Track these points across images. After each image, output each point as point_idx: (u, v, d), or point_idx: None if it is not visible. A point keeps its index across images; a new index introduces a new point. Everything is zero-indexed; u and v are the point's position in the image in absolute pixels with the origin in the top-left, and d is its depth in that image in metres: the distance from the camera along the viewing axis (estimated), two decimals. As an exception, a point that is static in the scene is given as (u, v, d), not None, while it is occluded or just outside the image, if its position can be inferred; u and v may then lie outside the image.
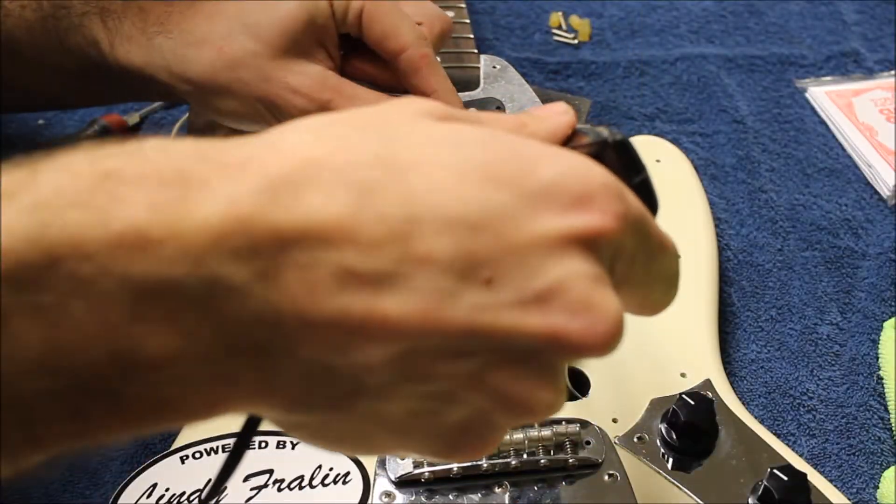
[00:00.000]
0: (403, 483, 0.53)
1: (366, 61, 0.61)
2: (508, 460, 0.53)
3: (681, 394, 0.56)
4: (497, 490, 0.53)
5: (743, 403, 0.60)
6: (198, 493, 0.52)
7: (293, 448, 0.54)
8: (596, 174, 0.32)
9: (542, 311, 0.30)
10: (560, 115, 0.38)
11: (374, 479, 0.53)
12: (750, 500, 0.53)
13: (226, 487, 0.52)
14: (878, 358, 0.67)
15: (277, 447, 0.54)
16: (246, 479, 0.53)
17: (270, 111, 0.58)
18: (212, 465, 0.54)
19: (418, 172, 0.30)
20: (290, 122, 0.33)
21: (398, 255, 0.29)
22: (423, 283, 0.29)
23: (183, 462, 0.54)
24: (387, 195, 0.30)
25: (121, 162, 0.29)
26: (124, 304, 0.27)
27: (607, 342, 0.31)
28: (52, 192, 0.28)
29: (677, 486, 0.54)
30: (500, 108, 0.67)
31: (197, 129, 0.64)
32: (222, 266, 0.28)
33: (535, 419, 0.33)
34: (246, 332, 0.28)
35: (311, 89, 0.57)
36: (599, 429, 0.56)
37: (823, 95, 0.86)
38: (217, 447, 0.54)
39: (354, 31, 0.60)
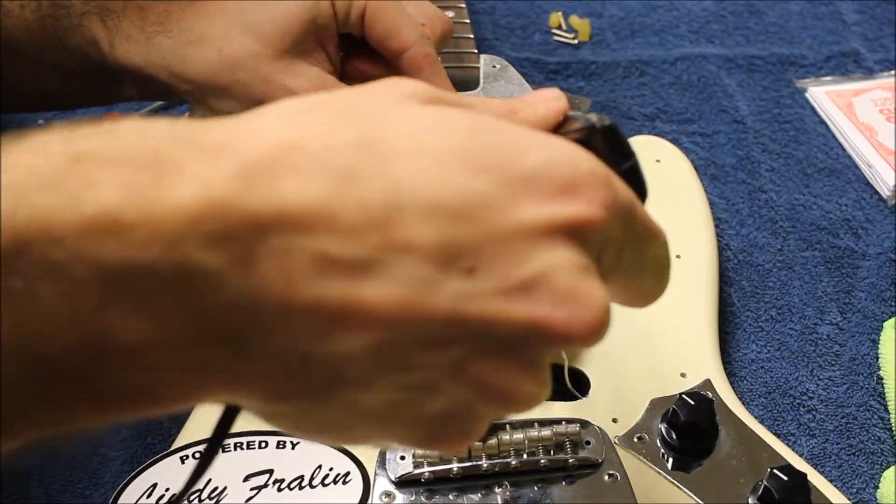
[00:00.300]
0: (403, 483, 0.53)
1: (367, 61, 0.61)
2: (508, 460, 0.53)
3: (681, 394, 0.56)
4: (497, 490, 0.53)
5: (743, 403, 0.60)
6: (197, 493, 0.52)
7: (293, 448, 0.54)
8: (583, 162, 0.32)
9: (525, 301, 0.30)
10: (551, 101, 0.37)
11: (374, 479, 0.53)
12: (750, 500, 0.53)
13: (226, 487, 0.52)
14: (878, 358, 0.67)
15: (277, 447, 0.54)
16: (246, 479, 0.53)
17: None
18: (212, 465, 0.54)
19: (400, 158, 0.30)
20: (269, 104, 0.32)
21: (378, 242, 0.29)
22: (403, 270, 0.29)
23: (183, 462, 0.54)
24: (367, 181, 0.29)
25: (95, 143, 0.28)
26: (96, 290, 0.27)
27: (592, 332, 0.30)
28: (22, 174, 0.27)
29: (677, 486, 0.54)
30: (500, 108, 0.67)
31: None
32: (196, 251, 0.27)
33: (518, 411, 0.32)
34: (221, 319, 0.28)
35: (309, 93, 0.57)
36: (599, 429, 0.56)
37: (823, 95, 0.86)
38: (217, 447, 0.54)
39: (356, 30, 0.60)
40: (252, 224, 0.28)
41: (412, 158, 0.30)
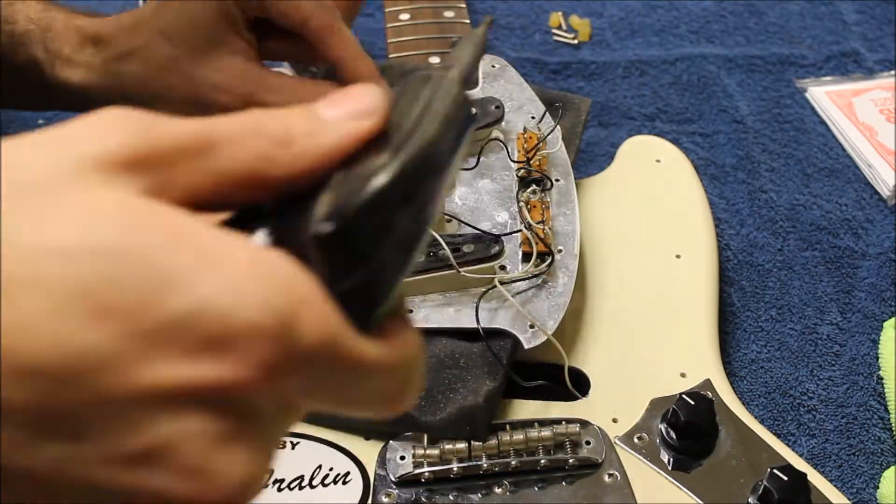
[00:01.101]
0: (403, 483, 0.53)
1: (280, 39, 0.62)
2: (508, 460, 0.53)
3: (681, 394, 0.56)
4: (497, 490, 0.53)
5: (743, 403, 0.60)
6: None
7: (293, 448, 0.54)
8: (254, 304, 0.26)
9: (142, 470, 0.27)
10: (361, 118, 0.29)
11: (375, 479, 0.53)
12: (750, 500, 0.53)
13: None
14: (878, 358, 0.67)
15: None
16: (246, 479, 0.53)
17: (202, 111, 0.58)
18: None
19: (16, 294, 0.25)
20: None
21: None
22: (3, 432, 0.26)
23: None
24: None
25: None
26: None
27: None
28: None
29: (677, 486, 0.54)
30: (498, 107, 0.67)
31: None
32: None
33: None
34: None
35: (232, 85, 0.59)
36: (599, 429, 0.56)
37: (823, 95, 0.86)
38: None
39: (262, 12, 0.61)
40: None
41: (27, 297, 0.25)
